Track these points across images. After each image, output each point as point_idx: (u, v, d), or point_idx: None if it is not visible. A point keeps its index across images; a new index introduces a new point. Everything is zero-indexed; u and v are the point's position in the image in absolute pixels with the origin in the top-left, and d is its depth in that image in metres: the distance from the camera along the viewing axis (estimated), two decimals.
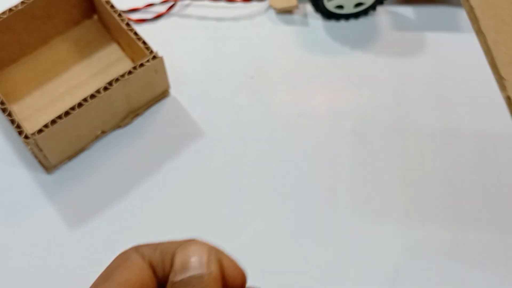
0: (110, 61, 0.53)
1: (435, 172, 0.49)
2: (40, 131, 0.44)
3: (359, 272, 0.45)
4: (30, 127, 0.49)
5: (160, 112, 0.52)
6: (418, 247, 0.46)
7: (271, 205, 0.48)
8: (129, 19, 0.50)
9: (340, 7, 0.55)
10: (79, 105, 0.45)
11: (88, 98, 0.45)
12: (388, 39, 0.56)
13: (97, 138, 0.50)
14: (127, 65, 0.53)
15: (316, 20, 0.57)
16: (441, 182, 0.48)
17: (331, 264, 0.45)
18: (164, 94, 0.52)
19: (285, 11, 0.57)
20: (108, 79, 0.46)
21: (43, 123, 0.44)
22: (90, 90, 0.46)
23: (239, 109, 0.52)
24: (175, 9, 0.57)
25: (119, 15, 0.49)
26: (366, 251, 0.46)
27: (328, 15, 0.56)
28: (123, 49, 0.53)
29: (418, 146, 0.50)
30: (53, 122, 0.44)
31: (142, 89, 0.48)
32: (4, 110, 0.45)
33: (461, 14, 0.57)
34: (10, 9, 0.49)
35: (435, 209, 0.47)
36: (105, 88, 0.45)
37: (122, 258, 0.25)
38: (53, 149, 0.46)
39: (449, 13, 0.57)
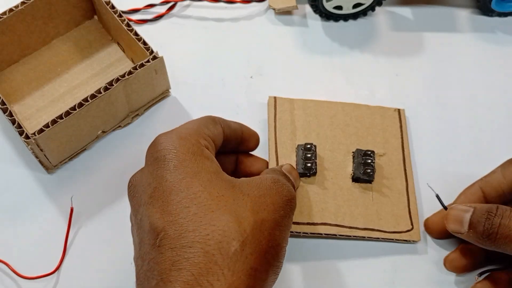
0: (111, 62, 0.53)
1: (437, 169, 0.49)
2: (40, 131, 0.44)
3: None
4: (30, 127, 0.49)
5: (160, 112, 0.52)
6: None
7: None
8: (129, 19, 0.51)
9: (339, 7, 0.55)
10: (80, 105, 0.45)
11: (89, 98, 0.45)
12: (387, 39, 0.56)
13: (97, 138, 0.50)
14: (127, 65, 0.53)
15: (315, 21, 0.57)
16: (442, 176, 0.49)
17: None
18: (164, 94, 0.52)
19: (285, 12, 0.57)
20: (108, 79, 0.46)
21: (44, 123, 0.44)
22: (91, 90, 0.46)
23: (239, 109, 0.52)
24: (175, 10, 0.57)
25: (119, 15, 0.49)
26: None
27: (327, 15, 0.56)
28: (123, 50, 0.53)
29: (417, 146, 0.51)
30: (54, 122, 0.44)
31: (142, 89, 0.49)
32: (4, 110, 0.45)
33: (460, 14, 0.57)
34: (11, 10, 0.49)
35: None
36: (106, 88, 0.46)
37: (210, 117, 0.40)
38: (53, 149, 0.46)
39: (447, 13, 0.58)
